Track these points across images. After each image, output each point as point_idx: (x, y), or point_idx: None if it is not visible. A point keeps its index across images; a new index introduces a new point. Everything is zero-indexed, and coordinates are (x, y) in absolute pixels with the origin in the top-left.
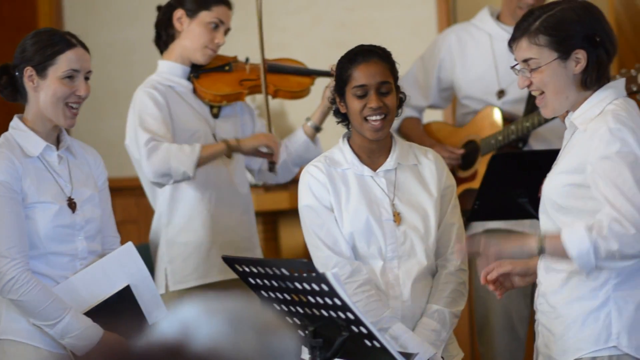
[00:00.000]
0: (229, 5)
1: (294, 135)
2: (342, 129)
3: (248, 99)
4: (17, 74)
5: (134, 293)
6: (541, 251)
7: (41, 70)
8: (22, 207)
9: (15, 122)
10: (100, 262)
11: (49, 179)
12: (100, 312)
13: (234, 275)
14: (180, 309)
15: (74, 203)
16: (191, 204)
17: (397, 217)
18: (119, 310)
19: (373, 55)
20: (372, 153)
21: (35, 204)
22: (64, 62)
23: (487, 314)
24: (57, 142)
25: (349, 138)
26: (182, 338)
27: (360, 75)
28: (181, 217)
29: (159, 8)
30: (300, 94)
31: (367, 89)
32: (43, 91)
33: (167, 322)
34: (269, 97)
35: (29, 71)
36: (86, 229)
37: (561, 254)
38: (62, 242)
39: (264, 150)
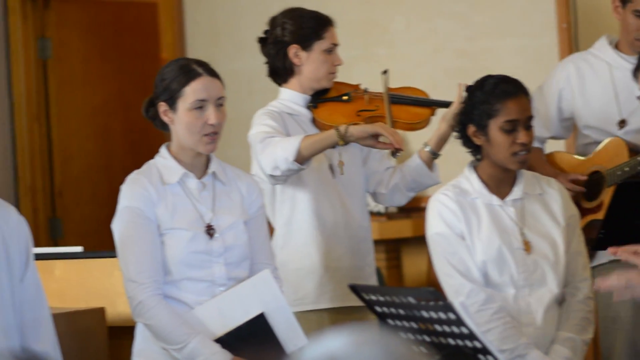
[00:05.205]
0: (333, 24)
1: (409, 160)
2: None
3: None
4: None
5: (269, 321)
6: None
7: (172, 104)
8: (156, 233)
9: (162, 149)
10: (235, 289)
11: (188, 205)
12: (234, 339)
13: (345, 304)
14: (326, 338)
15: (213, 230)
16: (307, 230)
17: (527, 246)
18: (253, 337)
19: (519, 89)
20: (501, 182)
21: (168, 230)
22: (190, 93)
23: (614, 344)
24: (206, 169)
25: (475, 167)
26: None
27: (512, 110)
28: (296, 241)
29: (262, 40)
30: (417, 125)
31: (517, 124)
32: (178, 124)
33: (312, 351)
34: None
35: (162, 106)
36: (226, 255)
37: None
38: (198, 268)
39: (382, 139)
